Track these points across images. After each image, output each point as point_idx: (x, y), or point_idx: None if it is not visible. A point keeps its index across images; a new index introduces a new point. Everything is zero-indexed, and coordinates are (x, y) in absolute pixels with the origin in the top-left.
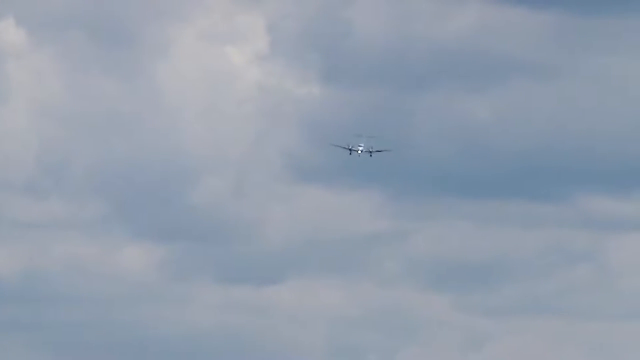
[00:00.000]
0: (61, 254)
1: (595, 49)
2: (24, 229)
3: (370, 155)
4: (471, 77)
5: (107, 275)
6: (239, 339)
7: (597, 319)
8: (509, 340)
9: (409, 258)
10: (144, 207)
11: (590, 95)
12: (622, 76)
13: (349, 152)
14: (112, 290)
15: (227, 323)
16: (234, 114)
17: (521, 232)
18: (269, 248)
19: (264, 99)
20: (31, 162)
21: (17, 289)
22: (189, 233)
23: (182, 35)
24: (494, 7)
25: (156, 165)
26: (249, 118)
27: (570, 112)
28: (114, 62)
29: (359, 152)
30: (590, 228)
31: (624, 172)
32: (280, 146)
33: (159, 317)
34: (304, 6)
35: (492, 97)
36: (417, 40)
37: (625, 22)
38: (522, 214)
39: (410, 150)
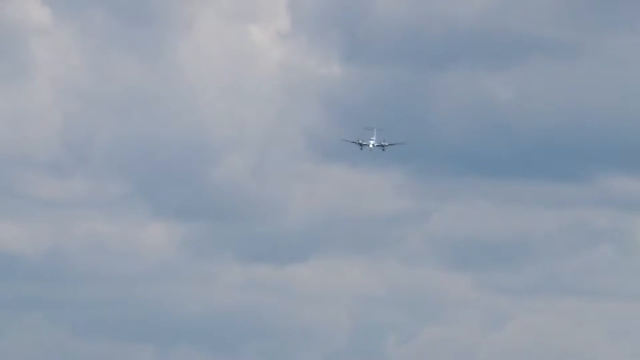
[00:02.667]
0: (83, 233)
1: (617, 27)
2: (47, 207)
3: (383, 150)
4: (492, 56)
5: (129, 254)
6: (260, 317)
7: (618, 298)
8: (530, 319)
9: (431, 237)
10: (166, 186)
11: (612, 74)
12: None
13: (360, 147)
14: (134, 269)
15: (249, 302)
16: (255, 93)
17: (542, 211)
18: (291, 227)
19: (285, 78)
20: (54, 140)
21: (39, 267)
22: (211, 212)
23: (205, 13)
24: None
25: (178, 143)
26: (270, 97)
27: (592, 90)
28: (137, 41)
29: (371, 146)
30: (611, 207)
31: None
32: (301, 125)
33: (181, 296)
34: None
35: (513, 75)
36: (438, 19)
37: None
38: (543, 193)
39: (431, 129)
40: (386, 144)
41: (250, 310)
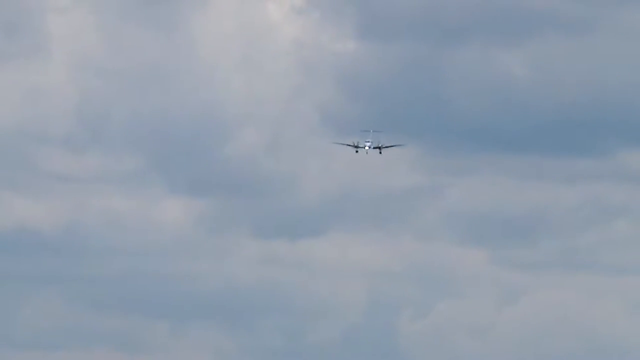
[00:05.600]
0: (99, 208)
1: (632, 3)
2: (63, 183)
3: (380, 152)
4: (507, 31)
5: (145, 229)
6: (275, 292)
7: (635, 272)
8: (546, 294)
9: (446, 212)
10: (181, 161)
11: (628, 48)
12: None
13: (356, 150)
14: (150, 244)
15: (264, 277)
16: (270, 69)
17: (558, 186)
18: (306, 202)
19: (300, 54)
20: (71, 116)
21: (55, 243)
22: (226, 187)
23: None
24: None
25: (194, 119)
26: (285, 72)
27: (607, 65)
28: (153, 17)
29: (366, 149)
30: (628, 181)
31: None
32: (316, 100)
33: (196, 271)
34: None
35: (529, 50)
36: None
37: None
38: (559, 168)
39: (446, 104)
40: (383, 146)
41: (266, 286)
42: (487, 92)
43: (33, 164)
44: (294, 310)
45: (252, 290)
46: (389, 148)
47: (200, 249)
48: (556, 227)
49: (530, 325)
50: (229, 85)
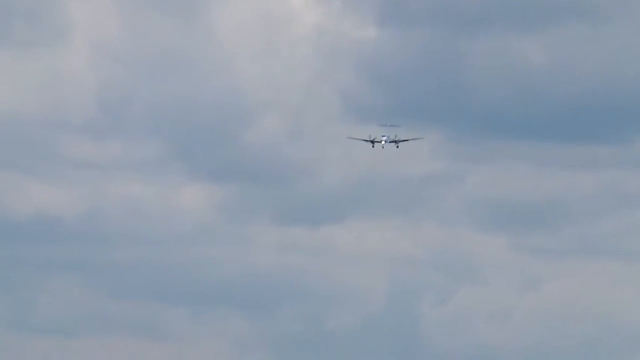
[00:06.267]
0: (120, 195)
1: None
2: (84, 169)
3: (397, 146)
4: (527, 18)
5: (166, 216)
6: (296, 279)
7: None
8: (566, 281)
9: (466, 199)
10: (202, 148)
11: None
12: None
13: (372, 144)
14: (170, 231)
15: (285, 263)
16: (292, 56)
17: (578, 173)
18: (327, 189)
19: (321, 41)
20: (91, 103)
21: (76, 229)
22: (247, 174)
23: None
24: None
25: (215, 106)
26: (306, 59)
27: (626, 53)
28: (174, 3)
29: (383, 143)
30: None
31: None
32: (337, 87)
33: (217, 258)
34: None
35: (548, 38)
36: None
37: None
38: (578, 155)
39: (466, 91)
40: (400, 140)
41: (286, 272)
42: (507, 79)
43: (54, 151)
44: (314, 296)
45: (272, 277)
46: (406, 142)
47: (220, 235)
48: (576, 213)
49: (550, 312)
50: (250, 72)
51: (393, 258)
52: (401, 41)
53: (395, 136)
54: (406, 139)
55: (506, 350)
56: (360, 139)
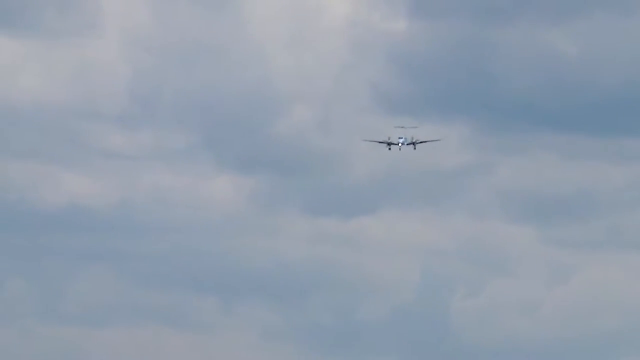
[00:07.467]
0: (151, 185)
1: None
2: (114, 160)
3: (414, 148)
4: (557, 9)
5: (196, 206)
6: (326, 270)
7: None
8: (595, 273)
9: (497, 190)
10: (233, 139)
11: None
12: None
13: (388, 146)
14: (200, 221)
15: (315, 255)
16: (321, 47)
17: (608, 165)
18: (357, 180)
19: (351, 32)
20: (122, 93)
21: (107, 219)
22: (277, 165)
23: None
24: None
25: (245, 97)
26: (336, 51)
27: None
28: None
29: (400, 145)
30: None
31: None
32: (367, 78)
33: (247, 249)
34: None
35: (579, 29)
36: None
37: None
38: (608, 147)
39: (496, 82)
40: (417, 141)
41: (317, 263)
42: (537, 70)
43: (85, 141)
44: (344, 288)
45: (303, 268)
46: (424, 143)
47: (250, 226)
48: (606, 205)
49: (579, 303)
50: (280, 63)
51: (424, 249)
52: (431, 32)
53: (412, 138)
54: (424, 140)
55: (535, 342)
56: (376, 141)
